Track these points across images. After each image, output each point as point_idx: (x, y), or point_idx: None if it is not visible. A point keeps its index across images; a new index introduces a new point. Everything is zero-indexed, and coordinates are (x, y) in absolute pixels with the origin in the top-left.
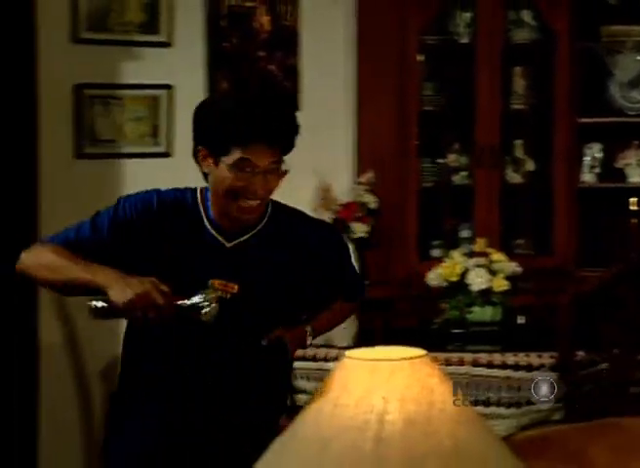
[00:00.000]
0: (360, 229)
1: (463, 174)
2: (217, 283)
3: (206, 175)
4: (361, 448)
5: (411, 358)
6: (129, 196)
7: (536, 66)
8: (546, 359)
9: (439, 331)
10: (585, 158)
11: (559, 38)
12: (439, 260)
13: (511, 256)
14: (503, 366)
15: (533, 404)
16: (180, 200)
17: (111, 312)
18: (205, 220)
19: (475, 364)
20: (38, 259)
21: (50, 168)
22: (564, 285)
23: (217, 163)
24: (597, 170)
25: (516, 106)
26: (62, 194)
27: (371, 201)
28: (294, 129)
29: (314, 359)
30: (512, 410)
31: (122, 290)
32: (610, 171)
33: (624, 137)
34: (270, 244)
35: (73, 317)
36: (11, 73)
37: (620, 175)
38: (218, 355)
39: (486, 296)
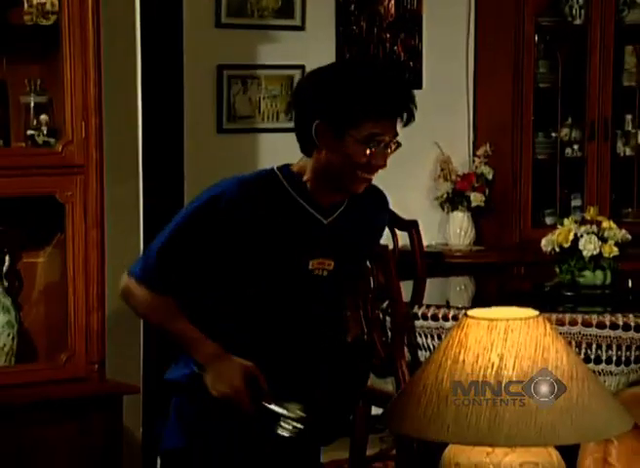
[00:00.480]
0: (477, 198)
1: (575, 146)
2: (313, 263)
3: (310, 150)
4: (480, 400)
5: (525, 318)
6: (215, 192)
7: None
8: None
9: (551, 293)
10: None
11: None
12: (552, 228)
13: (620, 224)
14: (613, 326)
15: (638, 362)
16: (264, 180)
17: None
18: (299, 199)
19: (586, 324)
20: (144, 309)
21: (194, 141)
22: None
23: (341, 136)
24: None
25: (627, 83)
26: (206, 165)
27: (487, 172)
28: (415, 104)
29: (434, 318)
30: (621, 368)
31: (214, 381)
32: None
33: None
34: (353, 217)
35: None
36: (161, 56)
37: None
38: (304, 327)
39: (596, 261)
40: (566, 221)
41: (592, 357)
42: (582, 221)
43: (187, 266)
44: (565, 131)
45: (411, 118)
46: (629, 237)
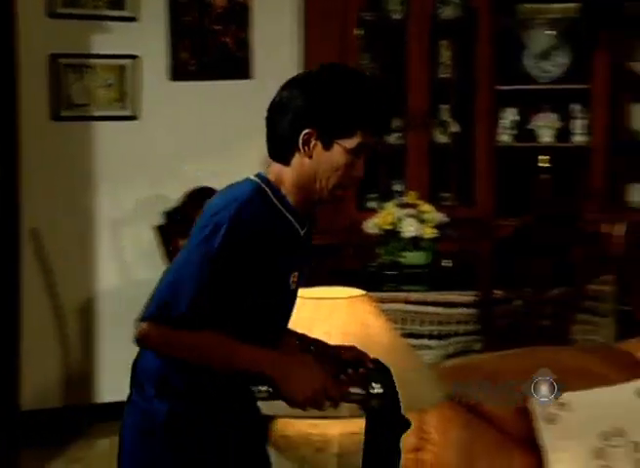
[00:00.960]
0: None
1: (397, 135)
2: (293, 276)
3: (288, 157)
4: None
5: (350, 297)
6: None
7: (460, 40)
8: (468, 297)
9: (375, 273)
10: (502, 121)
11: (480, 15)
12: (375, 211)
13: (438, 208)
14: (432, 303)
15: (456, 336)
16: (257, 197)
17: (274, 397)
18: (285, 213)
19: (407, 301)
20: (198, 352)
21: (29, 128)
22: (484, 232)
23: (328, 146)
24: (513, 131)
25: (442, 75)
26: (41, 151)
27: None
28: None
29: None
30: (439, 342)
31: (297, 385)
32: (524, 132)
33: (537, 102)
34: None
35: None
36: None
37: (533, 135)
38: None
39: (416, 243)
40: (388, 205)
41: (413, 332)
42: (403, 205)
43: (220, 296)
44: None
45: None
46: (447, 219)
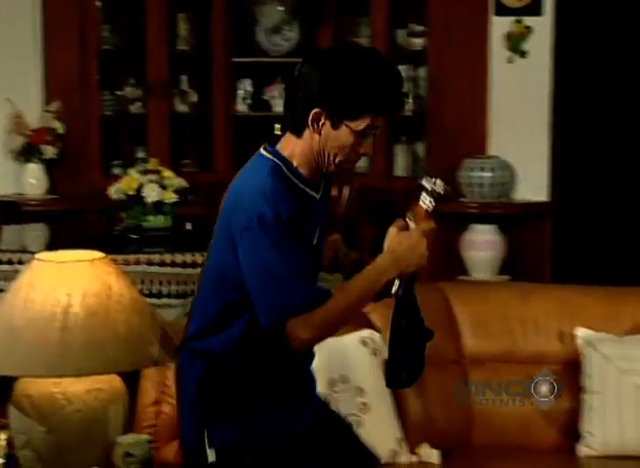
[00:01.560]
0: (49, 151)
1: (139, 104)
2: (316, 235)
3: (300, 131)
4: (49, 336)
5: (92, 260)
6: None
7: (196, 13)
8: None
9: (119, 236)
10: (239, 91)
11: None
12: (119, 177)
13: (179, 173)
14: (173, 264)
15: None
16: (277, 177)
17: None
18: (301, 185)
19: (149, 263)
20: (331, 325)
21: None
22: (221, 197)
23: (336, 126)
24: (248, 101)
25: (181, 47)
26: None
27: (58, 127)
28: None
29: (9, 262)
30: (180, 301)
31: (418, 256)
32: (259, 102)
33: (270, 75)
34: (326, 183)
35: None
36: None
37: (267, 105)
38: None
39: (158, 207)
40: (131, 172)
41: (155, 292)
42: (146, 171)
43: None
44: (129, 89)
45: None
46: (187, 185)
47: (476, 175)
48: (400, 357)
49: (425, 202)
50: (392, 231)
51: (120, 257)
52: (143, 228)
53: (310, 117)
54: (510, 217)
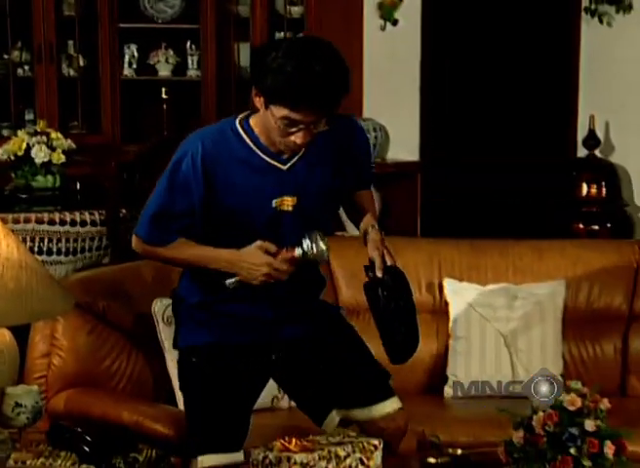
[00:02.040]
0: None
1: (26, 67)
2: (277, 201)
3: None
4: None
5: None
6: (178, 155)
7: None
8: (97, 216)
9: (9, 196)
10: (125, 56)
11: None
12: (8, 139)
13: (67, 135)
14: (62, 222)
15: (86, 252)
16: (224, 134)
17: (243, 284)
18: (254, 148)
19: (39, 221)
20: (167, 259)
21: None
22: (111, 157)
23: (266, 106)
24: (134, 66)
25: (67, 13)
26: None
27: None
28: (342, 96)
29: None
30: (69, 258)
31: (248, 274)
32: (144, 66)
33: (155, 40)
34: (317, 156)
35: None
36: None
37: (153, 69)
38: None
39: (47, 167)
40: (20, 133)
41: (45, 249)
42: (34, 133)
43: (181, 219)
44: (16, 53)
45: (331, 108)
46: (74, 146)
47: None
48: (399, 336)
49: (297, 252)
50: (258, 245)
51: (10, 216)
52: (33, 188)
53: (253, 93)
54: (384, 176)
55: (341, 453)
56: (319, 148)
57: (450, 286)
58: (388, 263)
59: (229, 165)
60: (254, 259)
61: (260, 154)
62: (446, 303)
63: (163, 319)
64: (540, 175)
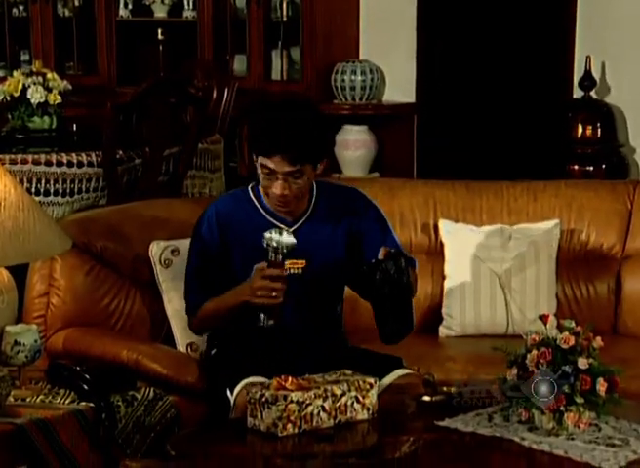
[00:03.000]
0: None
1: (21, 7)
2: (287, 263)
3: None
4: None
5: None
6: (200, 221)
7: None
8: (94, 157)
9: (6, 137)
10: None
11: None
12: (3, 79)
13: (63, 76)
14: (59, 163)
15: (83, 193)
16: (237, 198)
17: (264, 310)
18: (262, 210)
19: (36, 162)
20: (206, 322)
21: None
22: (107, 98)
23: (255, 160)
24: (130, 6)
25: None
26: None
27: None
28: (315, 147)
29: None
30: (66, 199)
31: (241, 295)
32: (140, 7)
33: None
34: (325, 221)
35: None
36: None
37: (148, 10)
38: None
39: (43, 108)
40: (15, 73)
41: (42, 190)
42: (30, 74)
43: (214, 283)
44: None
45: (302, 158)
46: (70, 87)
47: (348, 79)
48: (390, 321)
49: (271, 256)
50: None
51: (7, 157)
52: (29, 129)
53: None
54: (380, 118)
55: (337, 392)
56: (324, 214)
57: (445, 227)
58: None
59: (240, 226)
60: (247, 283)
61: (267, 216)
62: (441, 244)
63: (160, 261)
64: (535, 116)
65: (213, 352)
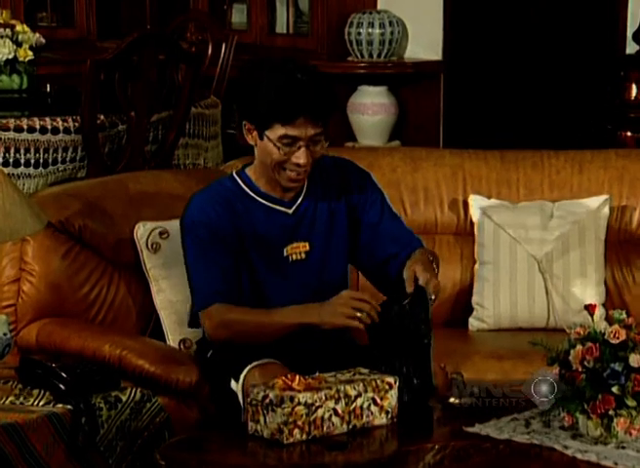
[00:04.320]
0: None
1: None
2: (288, 249)
3: (251, 148)
4: None
5: None
6: (187, 219)
7: None
8: (71, 122)
9: None
10: None
11: None
12: None
13: (35, 28)
14: (31, 129)
15: (59, 163)
16: (224, 188)
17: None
18: (258, 198)
19: (4, 128)
20: (233, 331)
21: None
22: (86, 54)
23: (261, 137)
24: None
25: None
26: None
27: None
28: (333, 102)
29: None
30: (40, 170)
31: (312, 315)
32: None
33: None
34: (322, 197)
35: None
36: None
37: None
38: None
39: (12, 65)
40: None
41: (11, 160)
42: None
43: (222, 272)
44: None
45: (325, 115)
46: (44, 41)
47: (365, 32)
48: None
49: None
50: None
51: None
52: None
53: (244, 131)
54: (401, 78)
55: (352, 393)
56: (320, 190)
57: (476, 203)
58: (421, 282)
59: (239, 220)
60: (329, 302)
61: (263, 201)
62: (471, 224)
63: (147, 245)
64: (581, 74)
65: (209, 354)
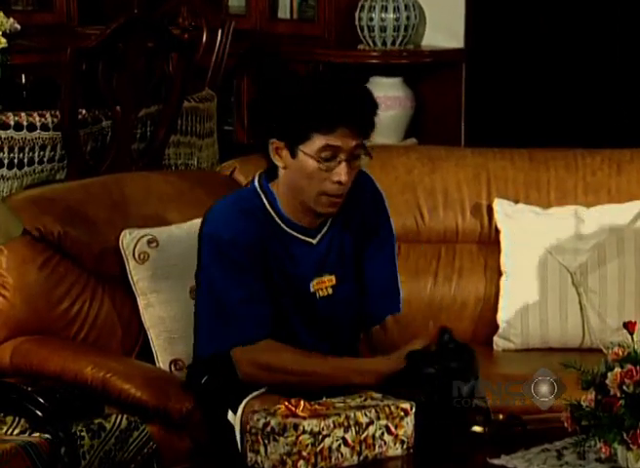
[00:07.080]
0: None
1: None
2: (314, 283)
3: (276, 171)
4: None
5: None
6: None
7: None
8: (49, 118)
9: None
10: None
11: None
12: None
13: (9, 13)
14: (4, 126)
15: (36, 164)
16: (250, 209)
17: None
18: (281, 224)
19: None
20: (278, 377)
21: None
22: (66, 42)
23: (294, 154)
24: None
25: None
26: None
27: None
28: (375, 108)
29: None
30: (14, 171)
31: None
32: None
33: None
34: (345, 221)
35: None
36: None
37: None
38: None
39: None
40: None
41: None
42: None
43: (261, 301)
44: None
45: (368, 123)
46: (18, 27)
47: (377, 17)
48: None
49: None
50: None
51: None
52: None
53: (270, 151)
54: (418, 68)
55: (363, 420)
56: (342, 212)
57: (502, 209)
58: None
59: (268, 247)
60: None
61: (287, 229)
62: (497, 231)
63: (134, 255)
64: (617, 65)
65: (204, 380)
